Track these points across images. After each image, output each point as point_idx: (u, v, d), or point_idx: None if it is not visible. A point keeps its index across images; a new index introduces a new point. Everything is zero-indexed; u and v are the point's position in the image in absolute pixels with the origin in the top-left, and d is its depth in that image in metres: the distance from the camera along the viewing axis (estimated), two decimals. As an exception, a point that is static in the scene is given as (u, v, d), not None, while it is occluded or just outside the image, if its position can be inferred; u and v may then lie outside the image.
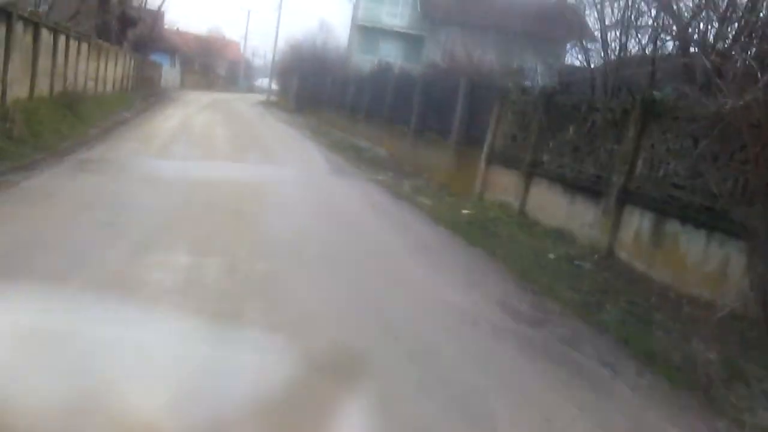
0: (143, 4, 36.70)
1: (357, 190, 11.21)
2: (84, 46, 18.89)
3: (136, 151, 12.10)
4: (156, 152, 12.22)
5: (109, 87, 24.33)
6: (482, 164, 11.01)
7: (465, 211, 9.65)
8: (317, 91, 35.12)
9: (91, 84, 20.66)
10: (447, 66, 16.45)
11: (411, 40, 49.41)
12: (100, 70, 22.41)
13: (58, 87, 15.11)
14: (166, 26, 59.23)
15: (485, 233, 8.38)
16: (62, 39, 15.53)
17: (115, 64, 25.52)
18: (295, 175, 12.04)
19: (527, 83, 11.82)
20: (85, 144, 11.51)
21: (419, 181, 12.75)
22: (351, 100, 24.10)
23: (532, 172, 9.62)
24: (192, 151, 12.99)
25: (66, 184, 8.11)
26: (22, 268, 4.84)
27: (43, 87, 13.60)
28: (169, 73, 52.36)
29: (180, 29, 65.27)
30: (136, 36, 36.06)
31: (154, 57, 48.19)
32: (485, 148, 10.98)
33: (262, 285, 5.29)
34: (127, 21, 28.20)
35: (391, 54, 51.51)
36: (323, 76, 36.47)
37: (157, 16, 43.56)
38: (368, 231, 8.17)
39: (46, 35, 13.69)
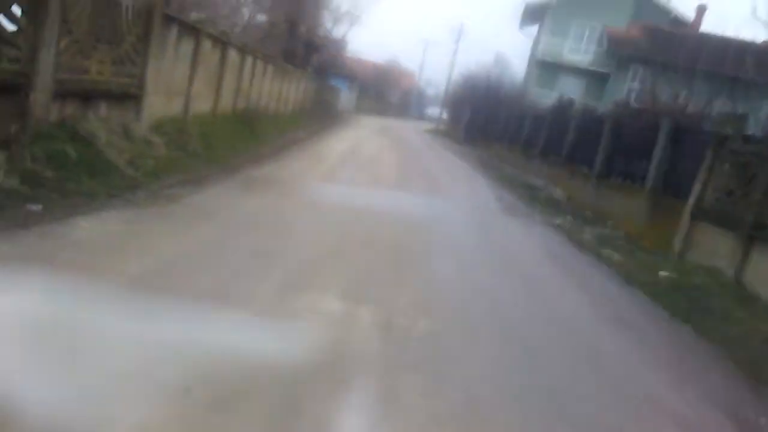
0: (329, 33, 38.20)
1: (532, 235, 9.99)
2: (269, 68, 19.46)
3: (304, 171, 11.94)
4: (323, 175, 11.92)
5: (289, 107, 25.13)
6: (686, 219, 9.31)
7: (663, 273, 8.06)
8: (489, 123, 34.18)
9: (273, 103, 21.31)
10: (643, 105, 14.69)
11: (593, 78, 47.03)
12: (283, 91, 23.14)
13: (241, 104, 15.48)
14: (347, 54, 61.77)
15: (693, 305, 6.79)
16: (249, 59, 15.94)
17: (297, 87, 26.37)
18: (462, 212, 11.09)
19: (751, 132, 9.91)
20: (257, 161, 11.42)
21: (603, 230, 11.22)
22: (526, 135, 22.81)
23: (754, 235, 7.83)
24: (358, 176, 12.57)
25: (228, 204, 7.77)
26: (162, 291, 4.28)
27: (226, 103, 13.91)
28: (346, 97, 54.16)
29: (360, 58, 67.77)
30: (319, 61, 37.55)
31: (334, 82, 50.13)
32: (691, 201, 9.28)
33: (421, 353, 4.29)
34: (312, 47, 29.21)
35: (571, 90, 49.32)
36: (496, 108, 35.46)
37: (339, 44, 45.21)
38: (548, 289, 6.93)
39: (233, 55, 14.03)
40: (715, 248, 8.53)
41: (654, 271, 8.26)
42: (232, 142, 11.66)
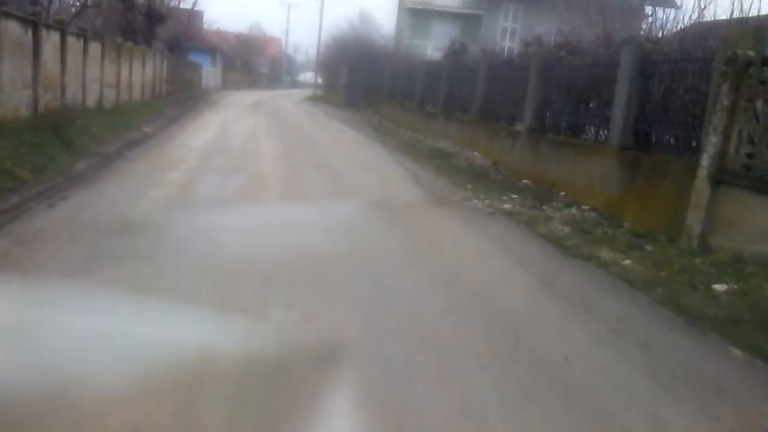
0: (176, 2, 33.06)
1: (489, 243, 6.77)
2: (94, 47, 14.95)
3: (135, 197, 7.30)
4: (168, 197, 7.54)
5: (136, 94, 20.51)
6: (701, 186, 6.44)
7: (718, 287, 5.14)
8: (370, 83, 30.83)
9: (108, 92, 16.78)
10: (569, 40, 11.79)
11: (467, 21, 44.77)
12: (123, 75, 18.55)
13: (51, 101, 11.18)
14: (204, 26, 55.95)
15: None
16: (53, 37, 11.58)
17: (143, 67, 21.70)
18: (379, 215, 7.64)
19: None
20: (53, 192, 7.08)
21: (567, 209, 8.27)
22: (421, 91, 19.62)
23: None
24: (226, 186, 8.42)
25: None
26: None
27: (16, 103, 9.66)
28: (210, 73, 48.83)
29: (219, 29, 61.97)
30: (169, 35, 32.44)
31: (193, 58, 44.90)
32: (707, 160, 6.40)
33: None
34: (155, 17, 24.40)
35: (446, 37, 46.85)
36: (376, 66, 32.14)
37: (192, 14, 39.94)
38: (568, 364, 3.75)
39: (16, 31, 9.72)
40: (764, 226, 5.73)
41: (695, 280, 5.33)
42: (21, 163, 7.51)
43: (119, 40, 18.23)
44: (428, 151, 14.49)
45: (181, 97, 27.66)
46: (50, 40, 11.22)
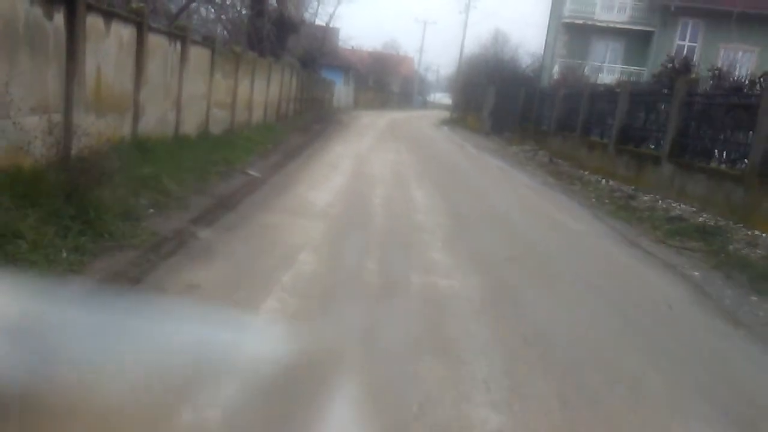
0: (311, 12, 29.65)
1: None
2: (198, 54, 10.97)
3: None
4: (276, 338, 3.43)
5: (257, 115, 16.60)
6: None
7: None
8: (521, 107, 25.64)
9: (219, 114, 12.82)
10: None
11: (634, 38, 38.32)
12: (241, 92, 14.65)
13: (104, 131, 7.03)
14: (340, 42, 53.20)
15: None
16: (120, 31, 7.47)
17: (268, 83, 17.85)
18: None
19: None
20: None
21: None
22: (621, 123, 14.16)
23: None
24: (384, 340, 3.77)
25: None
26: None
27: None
28: (342, 91, 45.49)
29: (354, 47, 59.20)
30: (303, 50, 29.01)
31: (326, 74, 41.92)
32: None
33: None
34: (286, 26, 20.65)
35: (607, 57, 40.71)
36: (529, 89, 26.94)
37: (328, 30, 36.62)
38: None
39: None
40: None
41: None
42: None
43: (237, 47, 14.36)
44: (665, 221, 9.18)
45: (309, 119, 23.82)
46: (111, 34, 7.08)
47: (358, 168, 11.99)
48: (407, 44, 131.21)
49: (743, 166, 9.32)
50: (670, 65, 13.94)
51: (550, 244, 7.14)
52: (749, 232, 8.20)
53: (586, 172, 15.10)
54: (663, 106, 12.51)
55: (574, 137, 17.44)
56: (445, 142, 23.49)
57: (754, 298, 5.70)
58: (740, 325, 4.96)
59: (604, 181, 13.72)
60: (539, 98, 22.98)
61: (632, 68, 38.09)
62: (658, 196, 11.28)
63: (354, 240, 6.02)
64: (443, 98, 70.46)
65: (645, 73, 32.96)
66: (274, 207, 6.97)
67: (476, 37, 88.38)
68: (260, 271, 4.66)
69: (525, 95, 25.56)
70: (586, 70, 36.15)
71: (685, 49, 36.29)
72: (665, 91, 13.49)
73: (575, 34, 38.65)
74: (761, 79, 9.80)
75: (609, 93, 15.40)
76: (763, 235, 7.97)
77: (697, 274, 6.40)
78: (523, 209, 9.74)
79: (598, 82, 22.18)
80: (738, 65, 20.78)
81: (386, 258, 5.48)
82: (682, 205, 10.39)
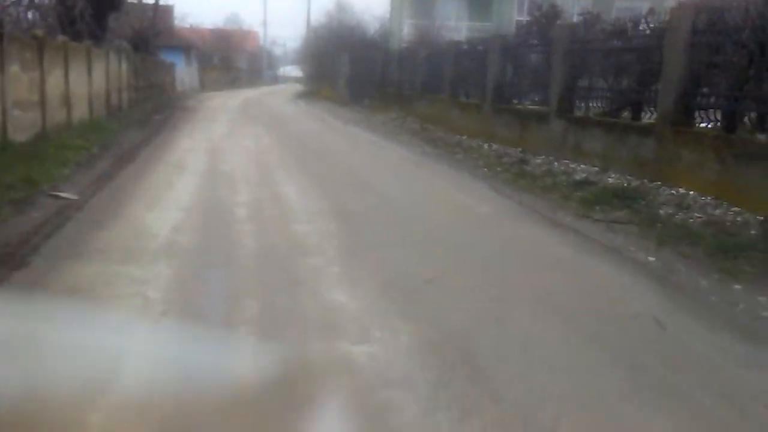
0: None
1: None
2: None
3: None
4: None
5: (79, 112, 13.64)
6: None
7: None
8: (376, 73, 24.14)
9: (22, 117, 10.05)
10: None
11: (476, -4, 38.24)
12: (51, 86, 11.78)
13: None
14: (176, 21, 48.74)
15: None
16: None
17: (89, 72, 14.86)
18: None
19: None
20: None
21: None
22: (496, 82, 12.96)
23: None
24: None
25: None
26: None
27: None
28: (185, 73, 41.61)
29: (192, 24, 54.72)
30: (133, 30, 25.47)
31: (166, 57, 38.09)
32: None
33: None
34: (103, 3, 17.43)
35: (452, 16, 40.27)
36: (385, 53, 25.48)
37: (158, 7, 32.85)
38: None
39: None
40: None
41: None
42: None
43: (39, 31, 11.42)
44: (573, 187, 8.04)
45: (149, 108, 20.79)
46: None
47: (212, 165, 9.81)
48: (250, 19, 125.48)
49: (650, 116, 8.36)
50: (538, 13, 12.92)
51: (474, 247, 5.59)
52: (673, 192, 7.20)
53: (464, 137, 13.92)
54: (541, 58, 11.45)
55: (442, 100, 16.20)
56: (306, 117, 21.51)
57: (737, 286, 4.50)
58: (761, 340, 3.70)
59: (486, 145, 12.56)
60: (398, 62, 21.57)
61: (478, 24, 37.92)
62: (551, 158, 10.22)
63: (215, 298, 4.07)
64: (294, 71, 67.59)
65: (493, 29, 32.71)
66: (91, 250, 4.79)
67: (320, 6, 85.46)
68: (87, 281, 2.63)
69: (382, 60, 24.06)
70: (437, 31, 35.39)
71: (526, 4, 36.63)
72: (535, 41, 12.48)
73: (419, -6, 37.80)
74: (647, 19, 8.83)
75: (477, 50, 14.19)
76: (690, 193, 6.98)
77: (652, 259, 5.16)
78: (417, 194, 8.17)
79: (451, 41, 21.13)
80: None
81: (267, 324, 3.61)
82: (582, 166, 9.36)
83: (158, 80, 28.06)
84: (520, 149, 11.32)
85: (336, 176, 9.23)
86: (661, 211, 6.61)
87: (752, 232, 5.64)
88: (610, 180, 8.24)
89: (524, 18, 30.21)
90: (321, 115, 22.25)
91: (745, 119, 7.19)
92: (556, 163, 9.90)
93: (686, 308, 4.14)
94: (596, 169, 8.97)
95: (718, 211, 6.34)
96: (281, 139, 14.06)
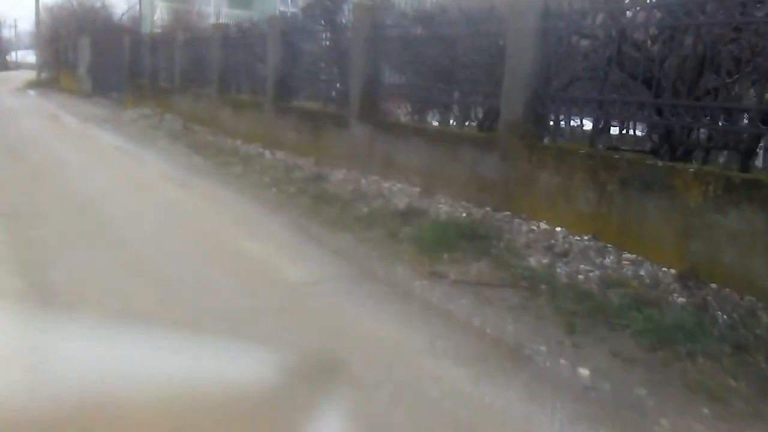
0: None
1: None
2: None
3: None
4: None
5: None
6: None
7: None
8: (124, 61, 19.97)
9: None
10: None
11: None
12: None
13: None
14: None
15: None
16: None
17: None
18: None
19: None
20: None
21: None
22: (279, 72, 10.38)
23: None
24: None
25: None
26: None
27: None
28: None
29: None
30: None
31: None
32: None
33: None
34: None
35: (210, 2, 36.58)
36: (134, 38, 21.32)
37: None
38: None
39: None
40: None
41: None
42: None
43: None
44: (399, 221, 5.94)
45: None
46: None
47: None
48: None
49: (490, 123, 6.54)
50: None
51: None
52: (533, 227, 5.41)
53: (239, 141, 11.22)
54: (332, 47, 9.21)
55: (210, 95, 13.19)
56: (33, 114, 16.72)
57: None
58: None
59: (268, 153, 10.02)
60: (151, 48, 17.79)
61: (239, 13, 34.76)
62: (354, 172, 8.06)
63: None
64: (30, 57, 57.26)
65: (255, 17, 29.96)
66: None
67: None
68: None
69: (131, 45, 19.91)
70: (196, 16, 31.55)
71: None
72: (322, 25, 10.22)
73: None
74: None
75: (252, 36, 11.50)
76: (557, 229, 5.24)
77: (584, 374, 3.15)
78: (184, 246, 5.32)
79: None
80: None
81: None
82: (397, 185, 7.32)
83: None
84: (313, 160, 8.99)
85: (56, 219, 5.95)
86: (533, 260, 4.74)
87: (678, 298, 3.96)
88: (444, 208, 6.27)
89: (288, 10, 28.01)
90: (53, 110, 17.59)
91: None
92: (363, 181, 7.74)
93: None
94: (417, 189, 6.99)
95: (607, 260, 4.63)
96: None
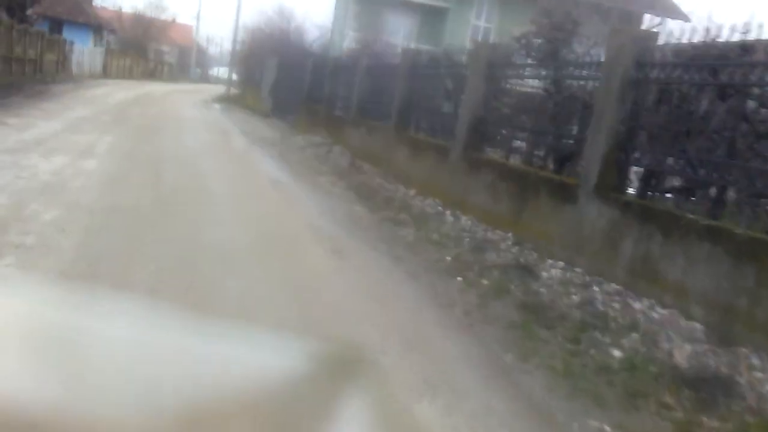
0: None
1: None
2: None
3: None
4: None
5: None
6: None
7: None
8: (312, 86, 18.98)
9: None
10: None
11: (428, 14, 34.17)
12: None
13: None
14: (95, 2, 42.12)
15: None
16: None
17: None
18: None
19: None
20: None
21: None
22: (474, 112, 8.02)
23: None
24: None
25: None
26: None
27: None
28: (88, 55, 35.00)
29: (117, 6, 47.96)
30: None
31: (75, 35, 32.21)
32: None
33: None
34: None
35: (401, 32, 35.75)
36: (317, 59, 20.42)
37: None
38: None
39: None
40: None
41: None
42: None
43: None
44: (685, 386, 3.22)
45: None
46: None
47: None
48: (183, 12, 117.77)
49: None
50: (546, 21, 8.21)
51: None
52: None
53: (412, 191, 9.00)
54: (561, 88, 6.67)
55: (386, 130, 11.22)
56: (203, 128, 16.02)
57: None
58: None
59: (449, 214, 7.64)
60: (332, 72, 16.49)
61: (428, 48, 33.55)
62: (579, 269, 5.39)
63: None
64: (228, 73, 61.40)
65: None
66: None
67: (260, 9, 79.19)
68: None
69: (313, 69, 18.91)
70: (384, 44, 30.72)
71: (481, 31, 32.63)
72: (542, 60, 7.72)
73: (366, 5, 33.13)
74: None
75: (446, 66, 9.34)
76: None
77: None
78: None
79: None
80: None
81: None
82: (658, 310, 4.54)
83: (31, 56, 21.78)
84: (512, 236, 6.45)
85: (171, 275, 3.99)
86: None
87: None
88: (761, 376, 3.40)
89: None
90: (226, 127, 16.83)
91: None
92: (596, 288, 5.04)
93: None
94: (699, 327, 4.16)
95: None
96: (131, 161, 8.63)
